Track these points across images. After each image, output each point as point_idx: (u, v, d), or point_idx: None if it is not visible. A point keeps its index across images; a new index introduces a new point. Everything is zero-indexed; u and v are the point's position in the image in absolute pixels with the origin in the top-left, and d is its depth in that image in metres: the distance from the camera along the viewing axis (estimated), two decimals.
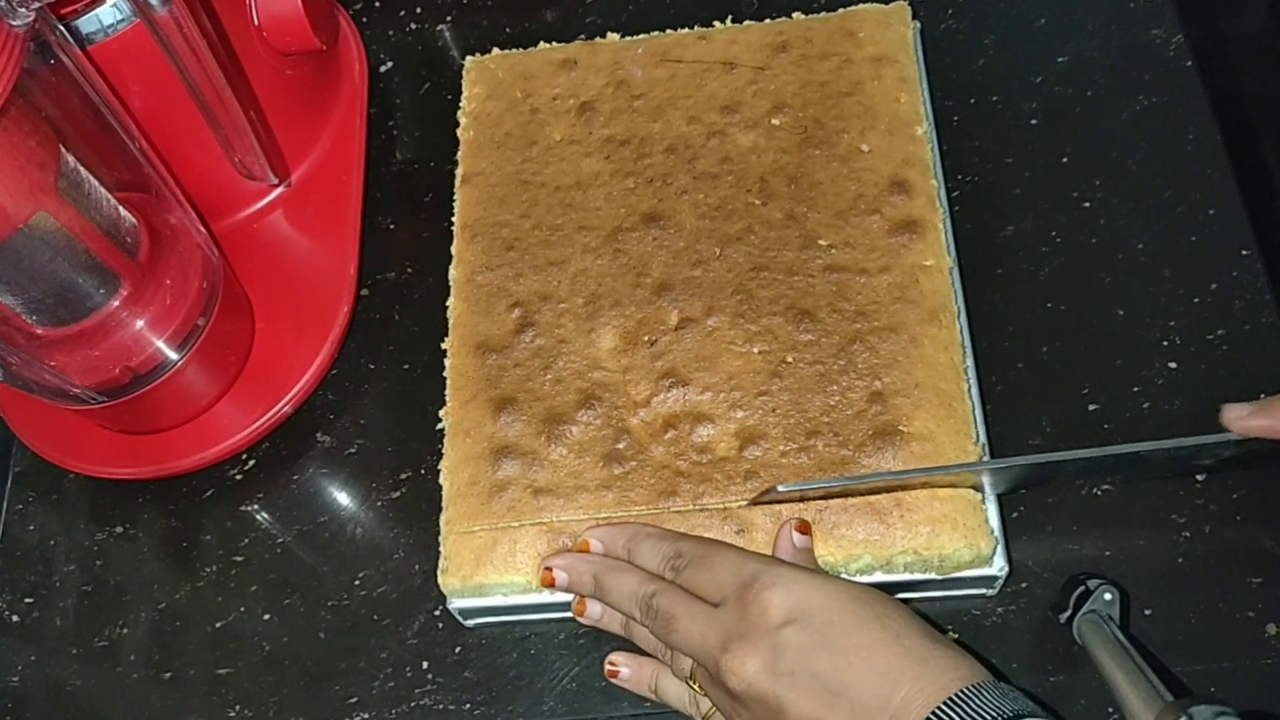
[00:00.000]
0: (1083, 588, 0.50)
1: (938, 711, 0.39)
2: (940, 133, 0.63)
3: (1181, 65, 0.64)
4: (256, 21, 0.60)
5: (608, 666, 0.53)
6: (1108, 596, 0.49)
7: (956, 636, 0.53)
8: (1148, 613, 0.52)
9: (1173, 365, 0.57)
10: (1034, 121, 0.64)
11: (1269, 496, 0.54)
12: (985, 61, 0.67)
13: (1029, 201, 0.62)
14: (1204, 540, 0.53)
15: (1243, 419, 0.45)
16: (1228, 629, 0.52)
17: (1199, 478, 0.54)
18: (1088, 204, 0.61)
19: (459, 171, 0.64)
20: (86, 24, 0.54)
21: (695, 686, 0.48)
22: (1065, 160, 0.63)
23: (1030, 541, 0.54)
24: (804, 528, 0.51)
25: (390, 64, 0.74)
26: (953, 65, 0.66)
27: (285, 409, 0.62)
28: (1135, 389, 0.57)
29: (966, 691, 0.40)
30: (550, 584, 0.52)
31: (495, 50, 0.67)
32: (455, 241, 0.62)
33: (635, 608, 0.49)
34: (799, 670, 0.42)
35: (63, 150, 0.51)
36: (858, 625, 0.42)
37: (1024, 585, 0.54)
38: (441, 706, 0.55)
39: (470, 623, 0.56)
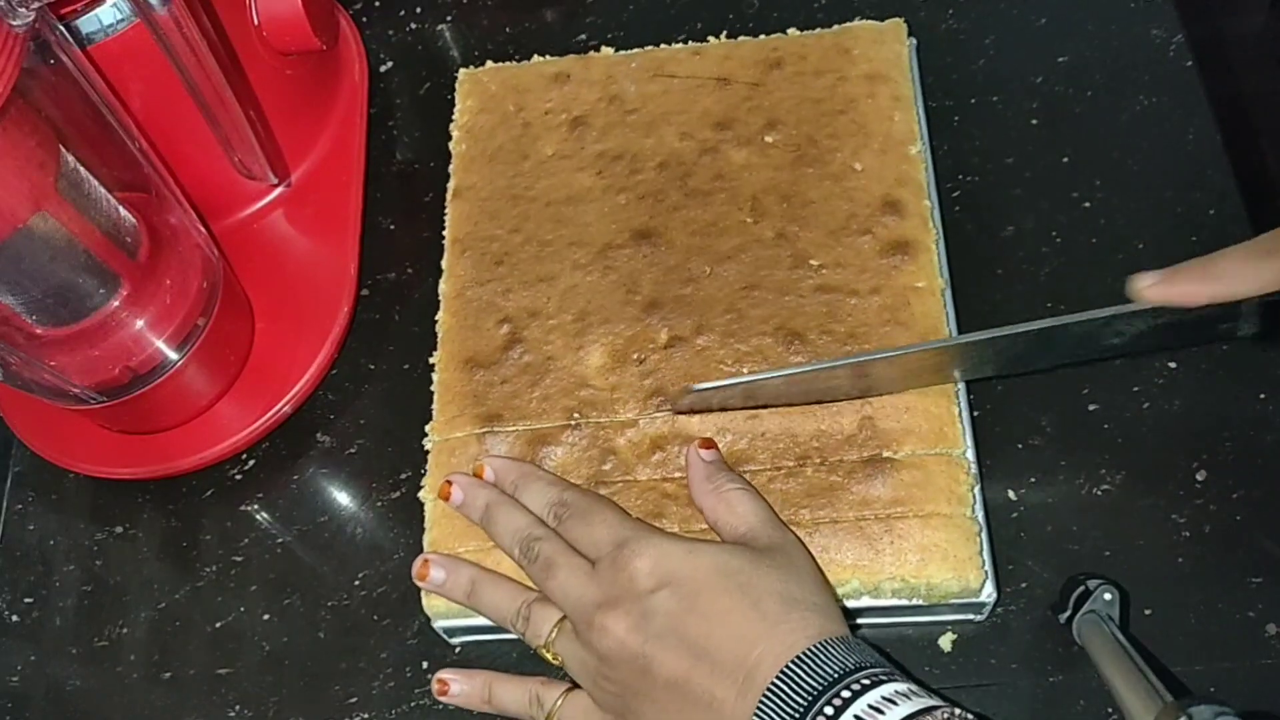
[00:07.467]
0: (1083, 588, 0.50)
1: (787, 668, 0.42)
2: (940, 133, 0.63)
3: (1181, 65, 0.64)
4: (256, 21, 0.60)
5: (436, 685, 0.53)
6: (1108, 596, 0.49)
7: (955, 638, 0.53)
8: (1148, 613, 0.52)
9: (1173, 365, 0.57)
10: (1034, 121, 0.64)
11: (1269, 496, 0.54)
12: (985, 61, 0.66)
13: (1029, 202, 0.62)
14: (1204, 540, 0.53)
15: (1148, 288, 0.46)
16: (1228, 629, 0.52)
17: (1199, 477, 0.54)
18: (1088, 204, 0.61)
19: (450, 185, 0.64)
20: (86, 24, 0.54)
21: (550, 655, 0.49)
22: (1065, 160, 0.63)
23: (1030, 541, 0.54)
24: (708, 444, 0.52)
25: (390, 64, 0.74)
26: (953, 65, 0.66)
27: (285, 409, 0.62)
28: (1135, 389, 0.57)
29: (814, 649, 0.42)
30: (446, 497, 0.54)
31: (490, 63, 0.67)
32: (445, 255, 0.61)
33: (516, 546, 0.51)
34: (667, 633, 0.44)
35: (63, 150, 0.51)
36: (722, 593, 0.45)
37: (1024, 585, 0.53)
38: (441, 706, 0.55)
39: (456, 641, 0.56)
